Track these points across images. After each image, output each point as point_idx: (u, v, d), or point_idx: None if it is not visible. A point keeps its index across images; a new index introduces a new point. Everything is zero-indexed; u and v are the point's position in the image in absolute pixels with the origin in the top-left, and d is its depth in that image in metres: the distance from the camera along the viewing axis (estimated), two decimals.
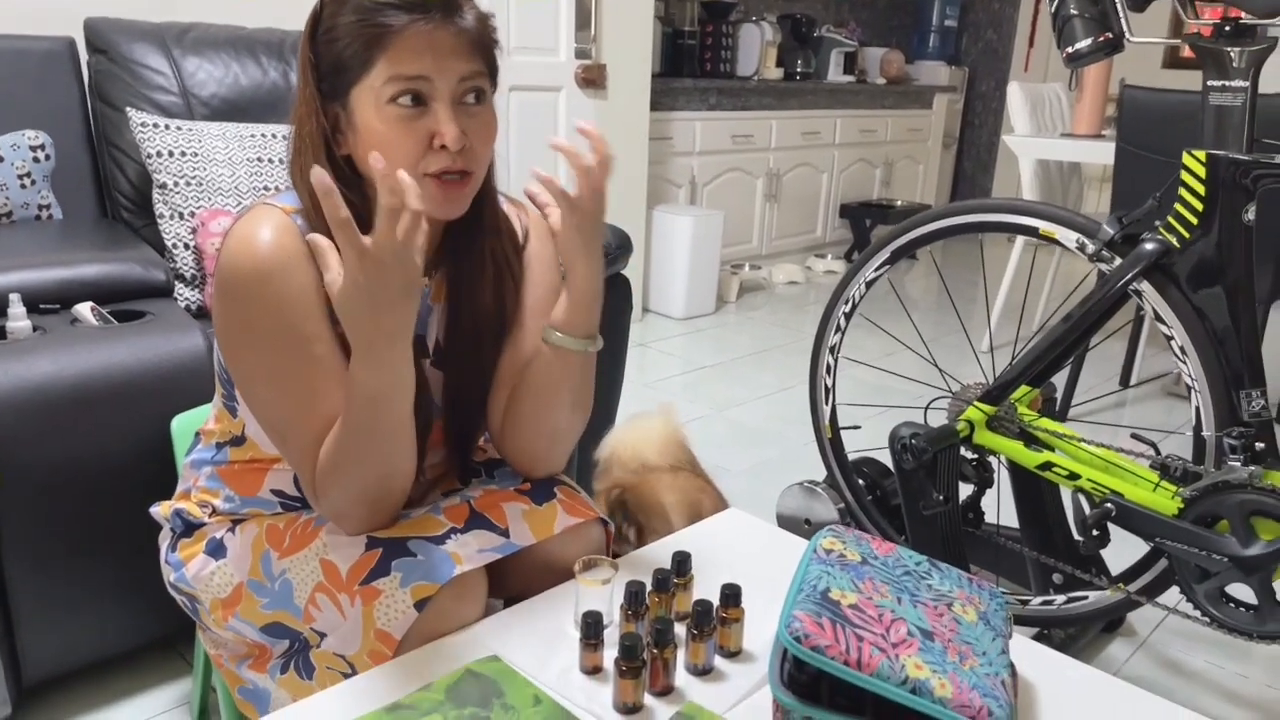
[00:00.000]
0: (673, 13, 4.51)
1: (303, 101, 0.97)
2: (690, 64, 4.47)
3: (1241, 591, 1.32)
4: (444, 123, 0.93)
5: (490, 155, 1.01)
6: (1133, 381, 3.23)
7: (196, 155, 1.82)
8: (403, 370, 0.92)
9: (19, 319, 1.40)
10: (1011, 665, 0.87)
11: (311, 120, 0.96)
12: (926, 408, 1.60)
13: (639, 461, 1.58)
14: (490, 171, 1.04)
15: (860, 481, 1.83)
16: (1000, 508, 1.69)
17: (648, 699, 0.88)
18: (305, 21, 0.96)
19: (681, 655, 0.93)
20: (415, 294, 0.88)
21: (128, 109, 1.88)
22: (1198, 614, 1.35)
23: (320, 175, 0.80)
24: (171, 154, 1.81)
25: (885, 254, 1.67)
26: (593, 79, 3.37)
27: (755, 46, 4.62)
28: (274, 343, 0.95)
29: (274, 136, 1.92)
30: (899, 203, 5.31)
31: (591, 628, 0.90)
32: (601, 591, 0.96)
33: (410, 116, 0.92)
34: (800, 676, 0.82)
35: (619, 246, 1.91)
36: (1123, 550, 1.56)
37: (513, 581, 1.10)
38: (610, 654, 0.89)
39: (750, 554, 1.17)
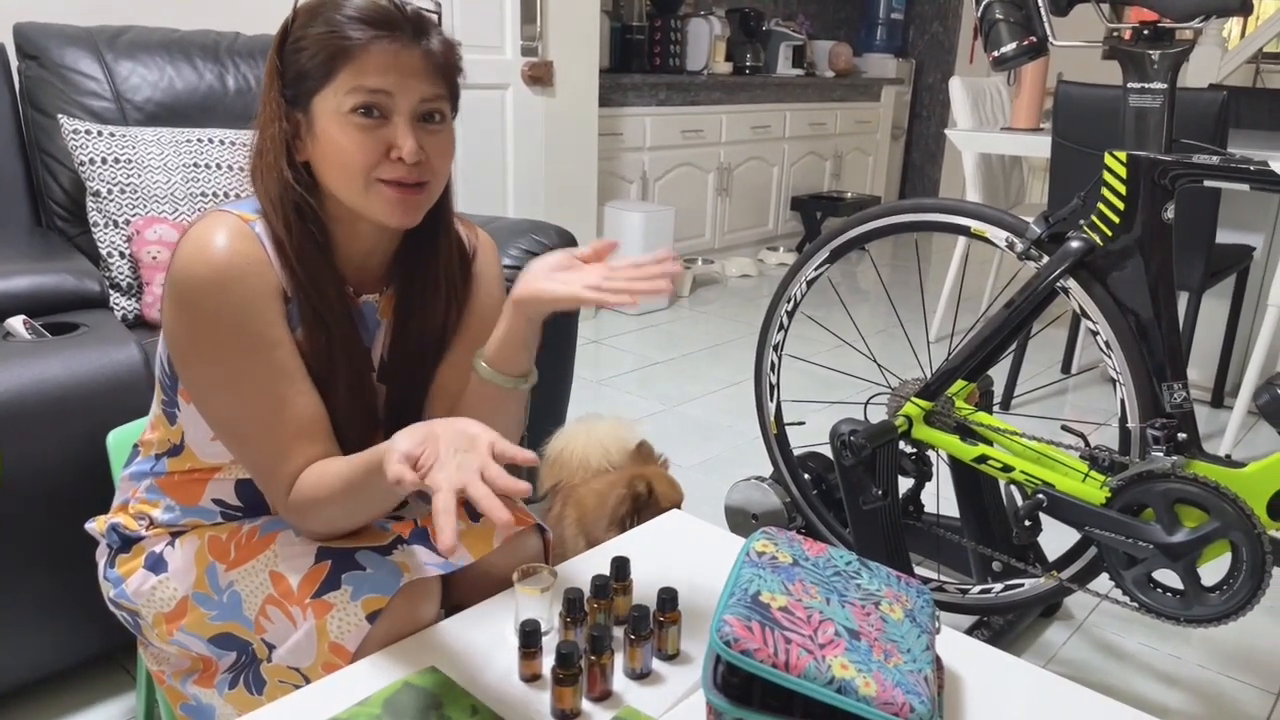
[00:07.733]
0: (621, 7, 4.50)
1: (266, 106, 0.98)
2: (639, 59, 4.47)
3: (1168, 577, 1.36)
4: (402, 136, 0.93)
5: (448, 172, 1.02)
6: (1073, 369, 3.31)
7: (131, 162, 1.79)
8: None
9: None
10: (936, 660, 0.90)
11: (274, 125, 0.97)
12: (866, 404, 1.63)
13: (582, 464, 1.59)
14: (448, 192, 1.05)
15: (805, 476, 1.86)
16: (941, 498, 1.73)
17: (586, 705, 0.90)
18: (276, 31, 0.98)
19: (620, 659, 0.94)
20: None
21: (59, 115, 1.84)
22: (1127, 600, 1.40)
23: (398, 472, 0.81)
24: (105, 161, 1.78)
25: (825, 253, 1.69)
26: (540, 76, 3.36)
27: (704, 41, 4.64)
28: (234, 351, 0.95)
29: (211, 141, 1.89)
30: (849, 195, 5.36)
31: (529, 636, 0.92)
32: (540, 599, 0.97)
33: (369, 127, 0.93)
34: (733, 679, 0.83)
35: (564, 246, 1.91)
36: (1064, 539, 1.60)
37: (454, 591, 1.10)
38: (549, 662, 0.90)
39: (691, 554, 1.18)
